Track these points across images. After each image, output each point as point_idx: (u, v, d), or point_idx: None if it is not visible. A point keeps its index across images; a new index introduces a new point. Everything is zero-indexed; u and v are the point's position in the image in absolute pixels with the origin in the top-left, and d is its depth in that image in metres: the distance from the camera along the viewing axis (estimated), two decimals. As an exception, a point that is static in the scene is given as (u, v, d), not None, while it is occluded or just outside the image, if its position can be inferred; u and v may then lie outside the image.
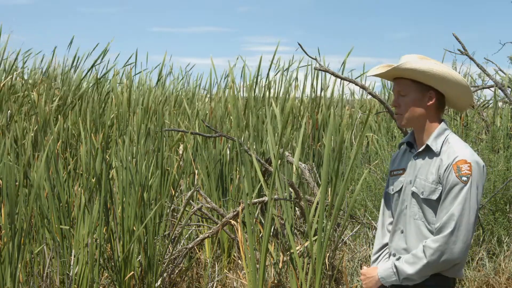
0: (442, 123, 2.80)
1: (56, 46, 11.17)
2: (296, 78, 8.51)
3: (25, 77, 9.84)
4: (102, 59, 9.38)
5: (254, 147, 6.35)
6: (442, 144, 2.74)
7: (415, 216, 2.75)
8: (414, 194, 2.76)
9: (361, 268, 5.25)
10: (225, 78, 9.75)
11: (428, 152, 2.76)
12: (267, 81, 8.61)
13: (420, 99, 2.76)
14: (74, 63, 9.93)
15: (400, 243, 2.81)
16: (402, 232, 2.81)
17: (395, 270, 2.72)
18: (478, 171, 2.66)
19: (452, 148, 2.71)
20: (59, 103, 8.08)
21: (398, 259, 2.75)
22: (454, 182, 2.64)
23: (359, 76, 8.91)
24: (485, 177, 2.71)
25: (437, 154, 2.73)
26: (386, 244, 2.90)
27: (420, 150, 2.78)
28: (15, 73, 9.37)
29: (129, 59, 9.73)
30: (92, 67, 9.33)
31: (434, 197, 2.69)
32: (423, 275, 2.68)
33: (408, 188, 2.80)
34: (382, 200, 2.99)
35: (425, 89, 2.77)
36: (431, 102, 2.77)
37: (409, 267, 2.68)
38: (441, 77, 2.74)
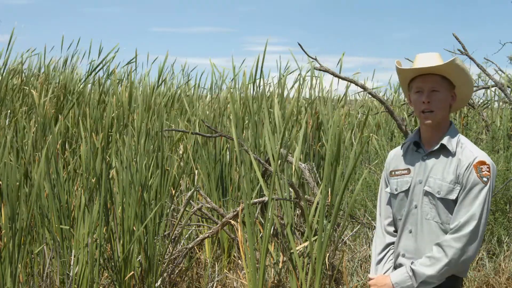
0: (452, 124, 2.82)
1: (53, 46, 11.16)
2: (298, 79, 8.50)
3: (25, 76, 9.84)
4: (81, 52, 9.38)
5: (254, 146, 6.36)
6: (456, 144, 2.75)
7: (426, 216, 2.75)
8: (427, 194, 2.75)
9: (361, 268, 5.25)
10: (223, 79, 9.73)
11: (443, 152, 2.76)
12: (267, 81, 8.60)
13: (449, 96, 2.78)
14: (72, 61, 9.94)
15: (408, 243, 2.80)
16: (410, 232, 2.80)
17: (411, 273, 2.70)
18: (494, 173, 2.70)
19: (468, 148, 2.74)
20: (53, 96, 8.07)
21: (412, 263, 2.73)
22: (475, 182, 2.66)
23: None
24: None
25: (453, 154, 2.73)
26: (389, 244, 2.89)
27: (433, 149, 2.77)
28: (14, 72, 9.38)
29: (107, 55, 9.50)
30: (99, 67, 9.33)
31: (453, 196, 2.70)
32: (444, 275, 2.67)
33: (418, 187, 2.78)
34: (378, 200, 2.98)
35: (452, 87, 2.79)
36: (453, 102, 2.80)
37: (429, 268, 2.66)
38: (470, 79, 2.79)
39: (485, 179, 2.66)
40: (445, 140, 2.75)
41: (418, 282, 2.68)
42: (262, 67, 7.21)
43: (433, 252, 2.67)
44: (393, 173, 2.88)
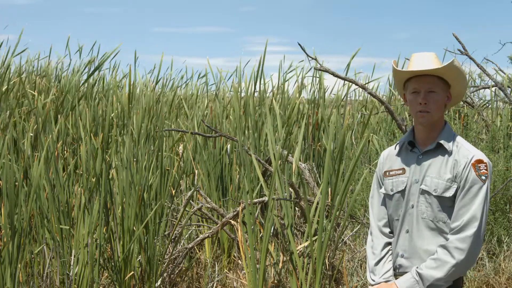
0: (447, 123, 2.84)
1: (52, 45, 11.16)
2: (297, 78, 8.49)
3: (25, 76, 9.83)
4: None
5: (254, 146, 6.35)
6: (453, 143, 2.77)
7: (423, 215, 2.76)
8: (423, 192, 2.76)
9: (361, 268, 5.25)
10: (227, 78, 9.73)
11: (439, 150, 2.78)
12: (268, 81, 8.61)
13: (444, 97, 2.80)
14: (72, 62, 9.95)
15: (406, 243, 2.80)
16: (407, 232, 2.80)
17: (417, 278, 2.70)
18: (491, 171, 2.72)
19: (464, 147, 2.75)
20: (53, 98, 8.06)
21: (417, 267, 2.72)
22: (475, 181, 2.68)
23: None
24: None
25: (450, 153, 2.75)
26: (387, 244, 2.89)
27: (429, 148, 2.79)
28: (12, 70, 9.37)
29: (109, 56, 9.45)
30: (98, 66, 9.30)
31: (449, 194, 2.71)
32: (452, 277, 2.68)
33: (414, 187, 2.79)
34: (371, 201, 2.97)
35: (448, 88, 2.81)
36: (448, 101, 2.82)
37: (436, 271, 2.66)
38: (465, 78, 2.80)
39: (483, 177, 2.68)
40: (441, 139, 2.77)
41: (426, 286, 2.68)
42: (262, 67, 7.20)
43: (439, 254, 2.67)
44: (387, 173, 2.89)
